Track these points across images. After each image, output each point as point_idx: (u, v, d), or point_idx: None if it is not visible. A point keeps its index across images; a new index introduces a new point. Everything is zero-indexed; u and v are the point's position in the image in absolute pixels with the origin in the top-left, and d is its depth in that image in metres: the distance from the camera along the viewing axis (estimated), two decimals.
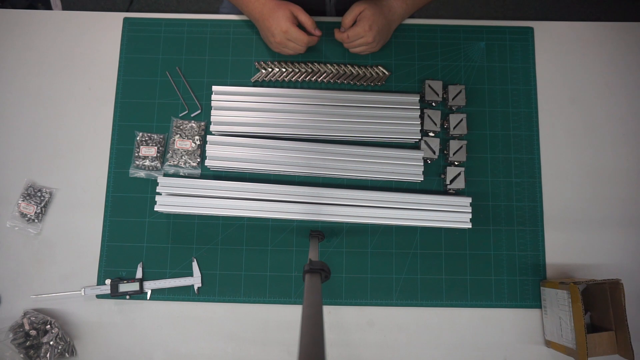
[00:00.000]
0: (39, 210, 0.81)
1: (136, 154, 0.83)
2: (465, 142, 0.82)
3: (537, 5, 1.86)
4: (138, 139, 0.84)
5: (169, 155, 0.83)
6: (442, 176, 0.83)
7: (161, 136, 0.84)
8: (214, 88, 0.84)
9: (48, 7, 1.72)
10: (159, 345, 0.78)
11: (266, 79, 0.86)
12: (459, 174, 0.81)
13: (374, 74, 0.86)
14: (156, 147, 0.83)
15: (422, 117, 0.84)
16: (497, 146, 0.85)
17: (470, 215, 0.79)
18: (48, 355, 0.74)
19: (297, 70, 0.86)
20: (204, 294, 0.80)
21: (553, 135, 0.86)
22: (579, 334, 0.70)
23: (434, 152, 0.83)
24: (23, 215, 0.81)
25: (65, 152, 0.85)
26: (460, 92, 0.84)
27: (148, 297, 0.79)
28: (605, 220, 0.83)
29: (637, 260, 0.82)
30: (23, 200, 0.81)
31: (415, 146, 0.84)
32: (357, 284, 0.80)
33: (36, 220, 0.81)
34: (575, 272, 0.82)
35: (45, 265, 0.81)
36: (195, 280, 0.80)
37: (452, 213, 0.79)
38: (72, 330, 0.78)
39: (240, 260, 0.81)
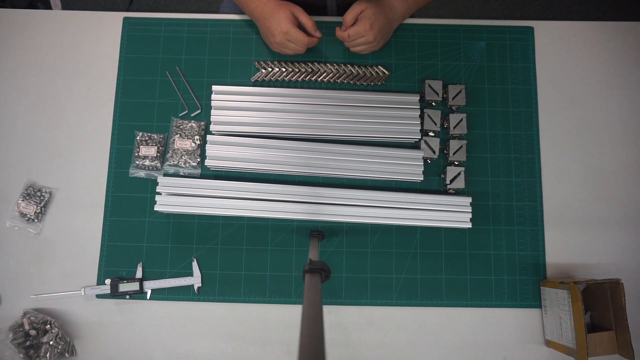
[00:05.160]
0: (39, 210, 0.81)
1: (136, 154, 0.83)
2: (465, 141, 0.82)
3: (537, 5, 1.86)
4: (138, 138, 0.84)
5: (169, 155, 0.83)
6: (442, 176, 0.83)
7: (161, 136, 0.84)
8: (214, 88, 0.84)
9: (48, 6, 1.72)
10: (158, 345, 0.78)
11: (266, 78, 0.86)
12: (459, 173, 0.81)
13: (374, 73, 0.86)
14: (156, 147, 0.83)
15: (422, 116, 0.84)
16: (497, 146, 0.85)
17: (470, 215, 0.79)
18: (48, 355, 0.74)
19: (297, 70, 0.86)
20: (204, 294, 0.80)
21: (553, 134, 0.86)
22: (579, 334, 0.70)
23: (434, 152, 0.83)
24: (23, 215, 0.81)
25: (65, 151, 0.85)
26: (460, 91, 0.84)
27: (148, 297, 0.79)
28: (606, 220, 0.83)
29: (637, 260, 0.82)
30: (23, 200, 0.81)
31: (415, 146, 0.84)
32: (357, 284, 0.80)
33: (36, 220, 0.81)
34: (575, 271, 0.82)
35: (45, 265, 0.81)
36: (195, 280, 0.80)
37: (452, 213, 0.79)
38: (72, 330, 0.78)
39: (240, 260, 0.81)
